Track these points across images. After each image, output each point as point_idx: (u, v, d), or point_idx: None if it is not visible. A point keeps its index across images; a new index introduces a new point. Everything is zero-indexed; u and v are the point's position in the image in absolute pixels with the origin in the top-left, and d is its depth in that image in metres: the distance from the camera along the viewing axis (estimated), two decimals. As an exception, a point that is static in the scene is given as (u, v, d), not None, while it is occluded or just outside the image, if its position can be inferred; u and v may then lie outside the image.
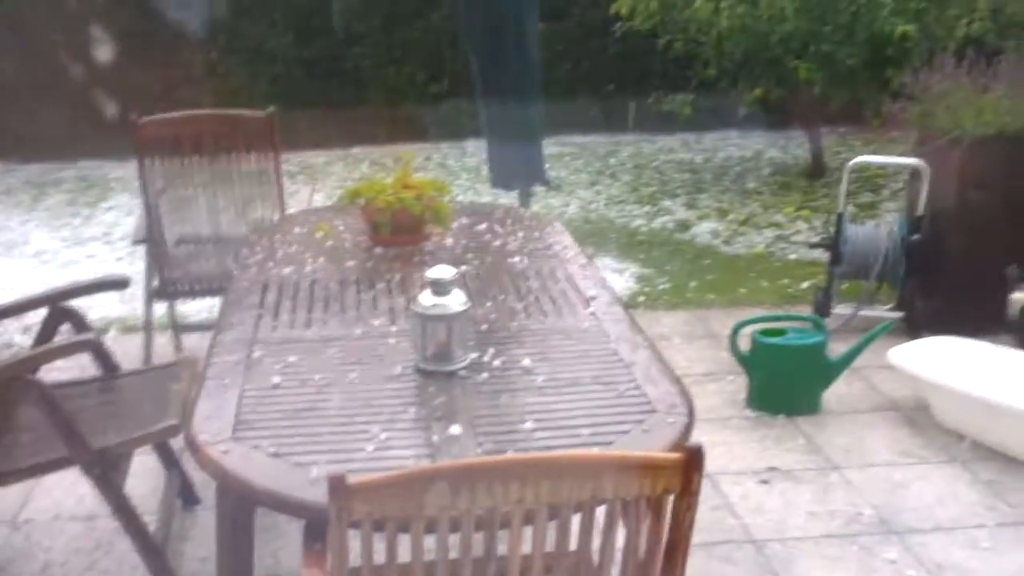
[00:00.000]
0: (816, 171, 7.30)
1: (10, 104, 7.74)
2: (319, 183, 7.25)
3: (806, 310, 4.49)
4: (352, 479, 1.36)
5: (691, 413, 2.02)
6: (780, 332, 3.82)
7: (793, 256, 5.60)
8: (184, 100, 7.46)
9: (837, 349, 3.83)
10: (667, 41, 7.14)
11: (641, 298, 5.00)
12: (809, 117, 7.43)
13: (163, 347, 4.15)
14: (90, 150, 7.75)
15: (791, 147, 8.24)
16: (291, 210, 4.07)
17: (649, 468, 1.41)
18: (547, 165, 5.93)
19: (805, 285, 5.07)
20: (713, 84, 7.55)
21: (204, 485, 3.15)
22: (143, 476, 3.10)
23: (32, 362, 2.48)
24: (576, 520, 1.48)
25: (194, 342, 4.31)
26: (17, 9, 7.73)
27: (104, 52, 7.86)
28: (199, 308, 4.66)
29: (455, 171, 7.61)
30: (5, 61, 7.73)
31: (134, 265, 5.17)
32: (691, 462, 1.40)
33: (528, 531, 1.44)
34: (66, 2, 7.77)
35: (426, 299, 2.26)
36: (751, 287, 5.13)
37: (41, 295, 2.97)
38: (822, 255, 4.78)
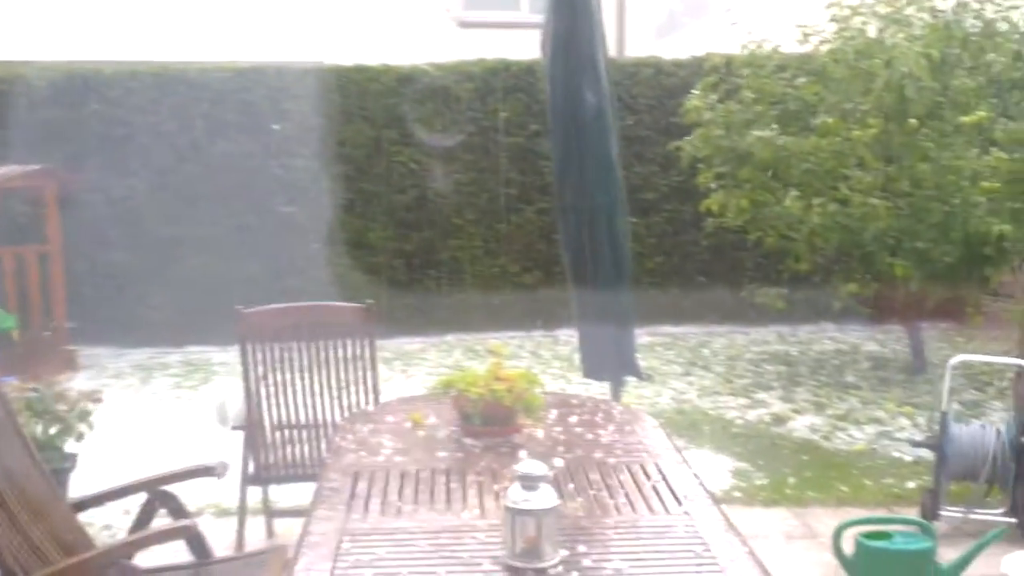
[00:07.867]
0: (917, 366, 7.13)
1: (121, 291, 8.19)
2: (412, 369, 7.37)
3: (912, 511, 4.29)
4: None
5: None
6: (886, 536, 3.63)
7: (896, 454, 5.41)
8: (289, 288, 7.83)
9: (947, 555, 3.62)
10: (758, 236, 7.22)
11: (737, 493, 4.85)
12: (906, 312, 7.34)
13: (256, 532, 4.16)
14: (196, 336, 8.11)
15: (889, 341, 8.10)
16: (385, 397, 4.13)
17: None
18: (639, 355, 5.93)
19: (911, 485, 4.87)
20: (806, 277, 7.56)
21: None
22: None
23: (131, 548, 2.52)
24: None
25: (287, 527, 4.32)
26: (130, 202, 8.29)
27: (212, 242, 8.32)
28: (293, 492, 4.68)
29: (547, 360, 7.67)
30: (118, 251, 8.24)
31: (236, 449, 5.27)
32: None
33: None
34: (178, 197, 8.31)
35: (516, 494, 2.24)
36: (853, 485, 4.94)
37: (139, 481, 3.04)
38: (927, 454, 4.60)
